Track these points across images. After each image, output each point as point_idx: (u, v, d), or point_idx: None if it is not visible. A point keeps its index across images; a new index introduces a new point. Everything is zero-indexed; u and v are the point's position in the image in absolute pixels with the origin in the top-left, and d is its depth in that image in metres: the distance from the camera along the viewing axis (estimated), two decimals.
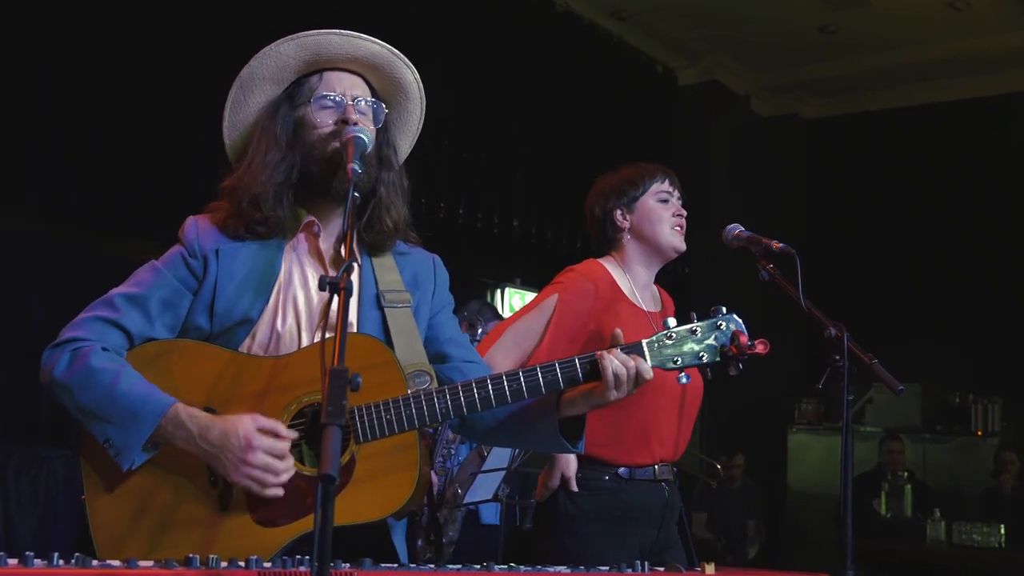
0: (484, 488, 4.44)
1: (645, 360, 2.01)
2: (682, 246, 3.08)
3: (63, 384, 1.97)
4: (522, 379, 1.99)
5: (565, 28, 8.33)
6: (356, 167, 1.94)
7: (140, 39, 5.40)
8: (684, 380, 2.05)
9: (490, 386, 1.98)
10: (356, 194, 1.92)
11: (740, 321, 2.02)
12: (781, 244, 2.85)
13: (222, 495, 1.97)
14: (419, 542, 4.15)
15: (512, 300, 8.09)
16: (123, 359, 2.02)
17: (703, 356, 2.02)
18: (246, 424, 1.91)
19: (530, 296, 8.18)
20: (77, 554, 1.59)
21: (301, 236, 2.16)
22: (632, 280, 3.10)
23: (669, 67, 9.51)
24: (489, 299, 7.89)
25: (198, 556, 1.64)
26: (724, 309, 2.03)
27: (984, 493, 7.88)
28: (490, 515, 4.90)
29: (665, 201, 3.09)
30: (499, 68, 7.64)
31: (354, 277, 2.14)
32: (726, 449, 8.35)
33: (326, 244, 2.17)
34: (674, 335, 2.02)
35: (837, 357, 2.68)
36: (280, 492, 1.91)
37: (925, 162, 9.59)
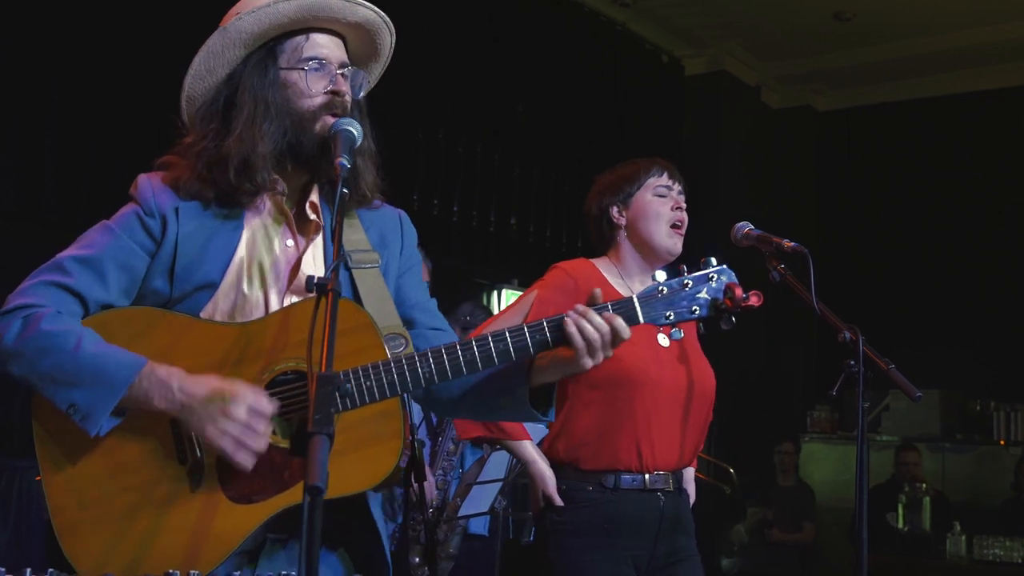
0: (480, 500, 4.44)
1: (637, 315, 1.99)
2: (677, 249, 3.06)
3: (16, 351, 1.93)
4: (509, 339, 1.97)
5: (566, 15, 8.33)
6: (344, 162, 1.95)
7: (115, 31, 5.41)
8: (678, 336, 2.05)
9: (475, 348, 1.96)
10: (345, 190, 1.92)
11: (732, 272, 2.03)
12: (793, 243, 2.86)
13: (192, 471, 1.94)
14: (416, 558, 4.15)
15: (509, 302, 8.08)
16: (79, 322, 1.99)
17: (695, 310, 2.01)
18: (232, 381, 1.91)
19: None
20: (51, 570, 1.59)
21: (264, 195, 2.14)
22: (627, 280, 3.11)
23: (675, 56, 9.52)
24: (485, 301, 7.89)
25: (178, 571, 1.63)
26: (715, 260, 2.03)
27: (1006, 505, 7.88)
28: (478, 526, 4.90)
29: (663, 196, 3.08)
30: (496, 57, 7.64)
31: (319, 238, 2.14)
32: (773, 440, 8.37)
33: (290, 203, 2.16)
34: (665, 289, 2.01)
35: (852, 362, 2.69)
36: (251, 462, 1.89)
37: (945, 157, 9.59)
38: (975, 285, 9.24)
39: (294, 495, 1.91)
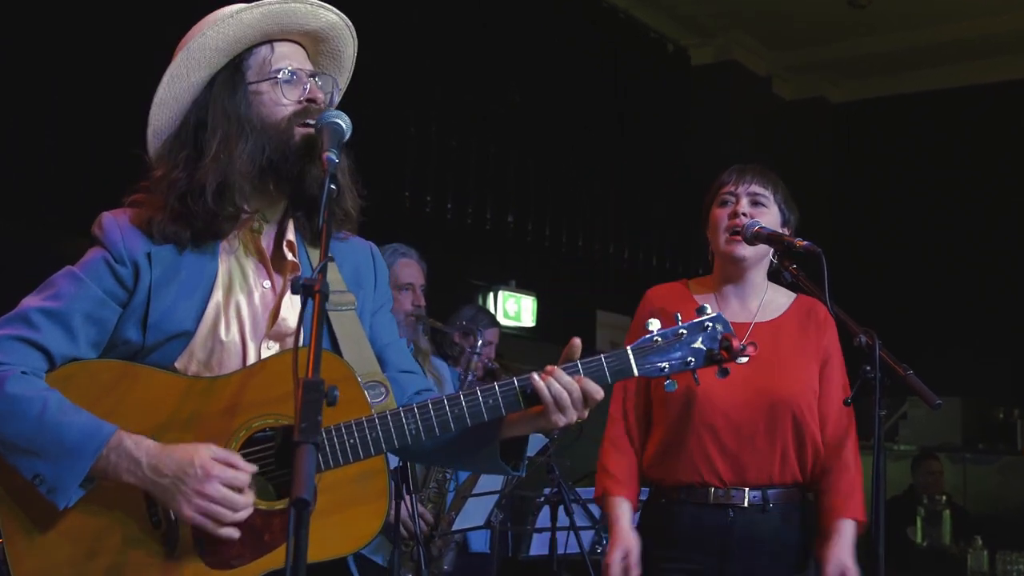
0: (475, 514, 4.44)
1: (631, 368, 2.04)
2: (736, 253, 3.05)
3: None
4: (499, 394, 2.02)
5: (564, 2, 8.34)
6: (332, 156, 1.93)
7: (116, 31, 5.48)
8: (671, 388, 2.09)
9: (464, 403, 2.00)
10: (333, 186, 1.90)
11: (727, 321, 2.09)
12: (805, 242, 2.87)
13: (167, 536, 1.93)
14: (409, 575, 4.14)
15: (507, 304, 8.09)
16: (45, 383, 1.97)
17: (690, 361, 2.07)
18: (202, 453, 1.89)
19: (526, 300, 8.17)
20: None
21: (237, 232, 2.12)
22: (717, 294, 3.15)
23: (681, 45, 9.52)
24: (481, 303, 7.89)
25: None
26: (708, 308, 2.09)
27: None
28: (479, 543, 4.90)
29: (724, 203, 3.12)
30: (492, 47, 7.64)
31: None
32: None
33: (267, 240, 2.14)
34: (659, 339, 2.07)
35: (868, 368, 2.69)
36: (236, 533, 1.90)
37: (966, 151, 9.60)
38: (999, 287, 9.24)
39: (275, 559, 1.91)
